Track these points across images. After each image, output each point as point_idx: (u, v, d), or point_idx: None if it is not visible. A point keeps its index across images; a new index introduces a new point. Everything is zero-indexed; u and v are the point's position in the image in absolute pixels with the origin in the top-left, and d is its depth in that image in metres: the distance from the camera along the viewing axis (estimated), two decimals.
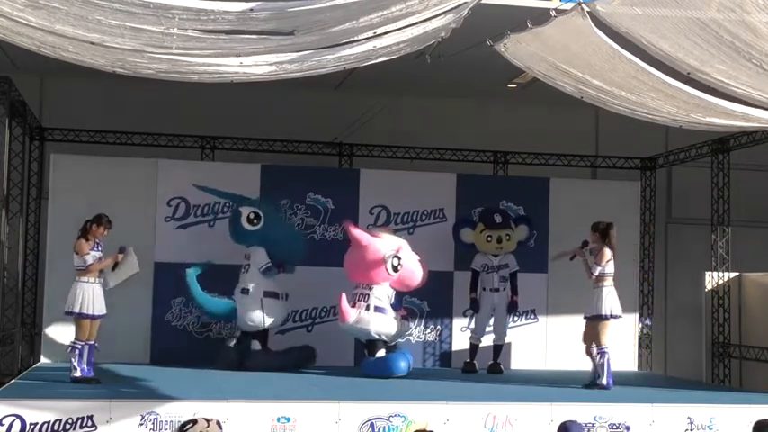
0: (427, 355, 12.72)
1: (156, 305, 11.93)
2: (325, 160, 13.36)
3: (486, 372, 11.81)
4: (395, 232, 11.86)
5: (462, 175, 13.07)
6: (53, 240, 11.84)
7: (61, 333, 11.61)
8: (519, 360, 12.69)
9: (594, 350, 10.32)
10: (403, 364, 10.90)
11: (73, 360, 9.55)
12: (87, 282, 9.52)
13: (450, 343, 12.75)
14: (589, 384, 10.37)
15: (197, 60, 7.27)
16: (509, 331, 12.36)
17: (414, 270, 11.14)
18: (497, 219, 12.03)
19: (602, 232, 10.42)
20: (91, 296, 9.51)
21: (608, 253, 10.31)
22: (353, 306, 11.01)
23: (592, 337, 10.40)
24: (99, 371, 10.11)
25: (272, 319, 11.29)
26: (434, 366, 12.68)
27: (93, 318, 9.61)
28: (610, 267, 10.34)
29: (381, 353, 11.01)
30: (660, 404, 9.33)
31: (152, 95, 12.62)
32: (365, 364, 11.08)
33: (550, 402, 9.10)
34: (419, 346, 12.60)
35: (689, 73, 7.04)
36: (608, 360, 10.32)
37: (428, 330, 12.74)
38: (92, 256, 9.54)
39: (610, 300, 10.29)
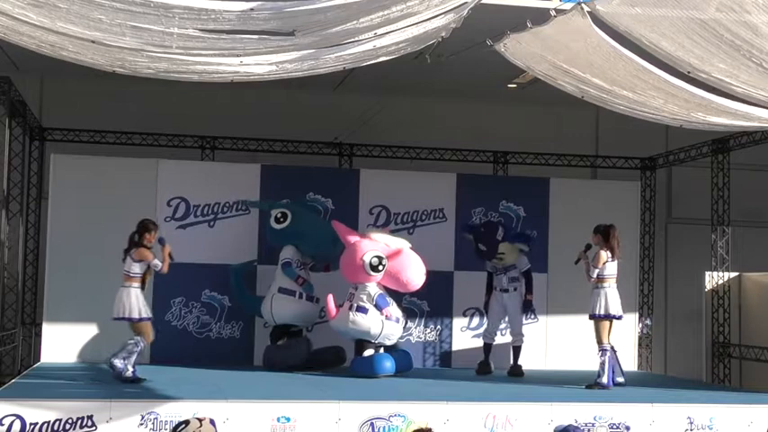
0: (427, 355, 12.71)
1: (156, 305, 11.86)
2: (326, 160, 13.35)
3: (506, 374, 11.62)
4: (392, 233, 11.83)
5: (462, 175, 13.06)
6: (53, 240, 11.84)
7: (61, 333, 11.63)
8: (519, 360, 12.64)
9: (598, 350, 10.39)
10: (388, 364, 10.85)
11: (132, 358, 9.63)
12: (137, 287, 9.76)
13: (451, 343, 12.74)
14: (590, 384, 10.36)
15: (197, 60, 7.26)
16: None
17: (400, 270, 11.01)
18: (481, 248, 11.75)
19: (604, 234, 10.45)
20: (143, 300, 9.79)
21: (604, 255, 10.34)
22: (343, 305, 11.05)
23: (595, 337, 10.49)
24: (98, 371, 10.11)
25: (282, 316, 11.33)
26: (434, 366, 12.66)
27: (150, 320, 9.90)
28: (608, 269, 10.36)
29: (369, 352, 11.00)
30: (660, 404, 9.33)
31: (152, 95, 12.62)
32: (353, 362, 11.13)
33: (550, 402, 9.09)
34: (419, 346, 12.60)
35: (689, 72, 7.04)
36: (609, 359, 10.33)
37: (428, 330, 12.73)
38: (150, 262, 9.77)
39: (606, 299, 10.32)
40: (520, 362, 11.79)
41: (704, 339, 13.19)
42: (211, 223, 12.09)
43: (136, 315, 9.68)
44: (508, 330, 12.06)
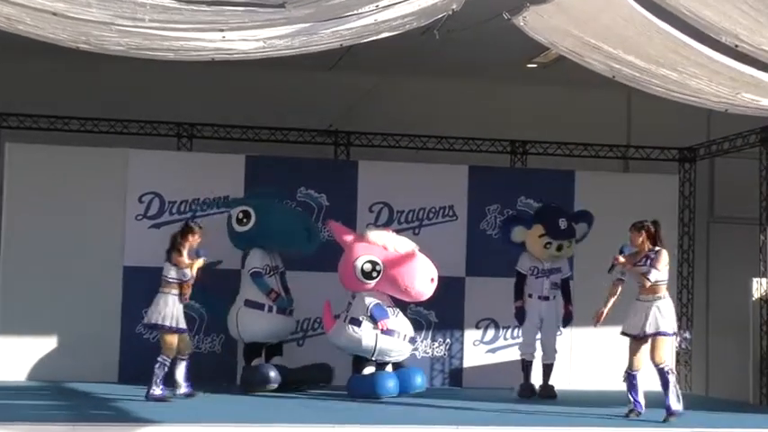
0: (435, 373, 12.71)
1: (125, 316, 11.93)
2: (319, 150, 13.35)
3: (537, 396, 11.54)
4: (397, 233, 11.82)
5: (475, 167, 13.07)
6: (7, 242, 11.84)
7: (13, 348, 11.64)
8: (537, 377, 12.58)
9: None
10: (390, 384, 10.82)
11: (156, 377, 9.93)
12: (175, 295, 10.04)
13: (461, 359, 12.75)
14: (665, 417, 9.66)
15: (173, 35, 7.25)
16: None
17: (400, 277, 10.95)
18: (562, 225, 11.66)
19: (650, 232, 9.85)
20: (179, 309, 10.07)
21: (666, 255, 9.77)
22: (339, 316, 11.05)
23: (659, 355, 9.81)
24: (61, 389, 10.08)
25: (251, 334, 11.29)
26: (443, 385, 12.66)
27: (181, 332, 10.15)
28: (666, 273, 9.82)
29: (369, 370, 10.99)
30: (701, 429, 9.32)
31: (122, 76, 12.60)
32: (351, 381, 11.11)
33: (575, 427, 9.10)
34: (426, 362, 12.57)
35: (737, 45, 7.02)
36: (675, 381, 9.80)
37: (436, 344, 12.73)
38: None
39: (665, 311, 9.74)
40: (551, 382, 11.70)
41: (751, 355, 13.18)
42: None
43: (167, 323, 9.98)
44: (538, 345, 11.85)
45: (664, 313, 9.71)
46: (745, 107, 8.31)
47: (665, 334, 9.72)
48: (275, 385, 11.00)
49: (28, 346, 11.72)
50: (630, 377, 9.80)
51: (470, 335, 12.77)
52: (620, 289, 10.01)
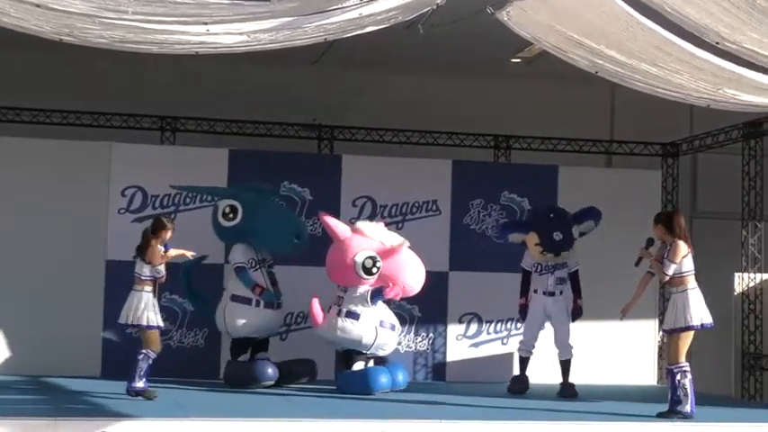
0: (418, 367, 12.74)
1: (108, 310, 11.87)
2: (303, 144, 13.36)
3: (556, 395, 11.33)
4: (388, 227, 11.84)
5: (459, 161, 13.09)
6: None
7: None
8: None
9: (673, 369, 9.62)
10: (384, 380, 10.81)
11: (140, 370, 9.85)
12: (149, 292, 9.94)
13: (445, 353, 12.77)
14: (665, 412, 9.51)
15: (157, 28, 7.26)
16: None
17: (395, 273, 10.96)
18: (557, 238, 11.36)
19: (667, 223, 9.59)
20: (155, 306, 9.99)
21: (683, 246, 9.37)
22: (329, 310, 11.03)
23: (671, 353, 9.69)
24: (42, 384, 10.06)
25: (239, 329, 11.26)
26: (426, 380, 12.70)
27: (160, 329, 10.10)
28: (688, 264, 9.41)
29: (359, 365, 10.99)
30: (683, 423, 9.38)
31: (105, 69, 12.58)
32: (341, 377, 11.08)
33: (559, 421, 9.13)
34: (409, 356, 12.62)
35: (717, 43, 7.07)
36: (691, 381, 9.59)
37: (419, 339, 12.76)
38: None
39: (690, 304, 9.38)
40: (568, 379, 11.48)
41: (733, 349, 13.26)
42: (172, 216, 12.06)
43: (144, 322, 9.89)
44: (553, 342, 11.64)
45: (685, 307, 9.40)
46: (726, 102, 8.37)
47: (681, 329, 9.48)
48: (272, 382, 10.98)
49: (9, 340, 11.70)
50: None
51: (453, 329, 12.80)
52: (648, 282, 9.87)
